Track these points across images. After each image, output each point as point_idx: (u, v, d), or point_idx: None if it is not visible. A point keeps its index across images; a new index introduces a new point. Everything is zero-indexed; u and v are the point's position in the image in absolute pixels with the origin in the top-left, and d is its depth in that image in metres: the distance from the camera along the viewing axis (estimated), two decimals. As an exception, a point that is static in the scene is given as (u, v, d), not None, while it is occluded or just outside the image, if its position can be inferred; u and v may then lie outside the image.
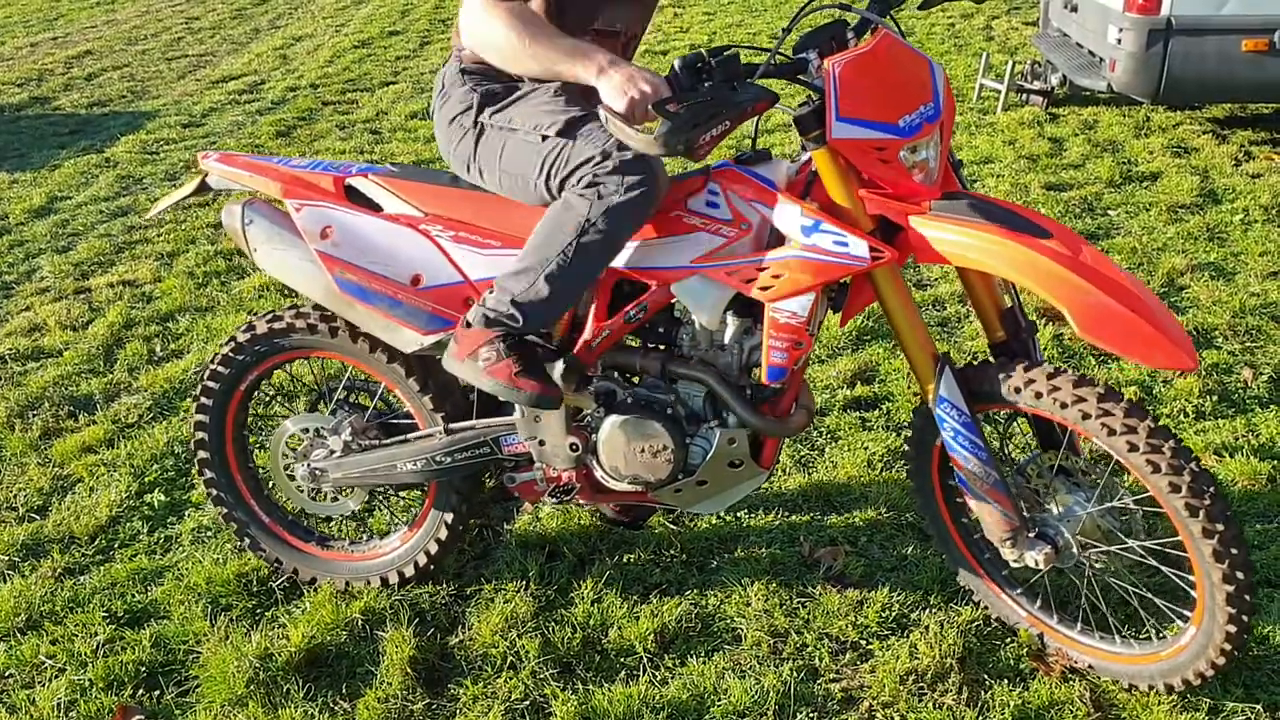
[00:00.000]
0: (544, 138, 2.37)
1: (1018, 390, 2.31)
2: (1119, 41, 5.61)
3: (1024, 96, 6.94)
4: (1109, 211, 5.25)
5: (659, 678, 2.60)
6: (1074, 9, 6.47)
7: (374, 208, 2.67)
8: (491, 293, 2.43)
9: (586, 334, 2.53)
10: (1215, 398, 3.58)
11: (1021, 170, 5.80)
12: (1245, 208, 5.12)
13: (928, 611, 2.73)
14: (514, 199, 2.52)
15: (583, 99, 2.42)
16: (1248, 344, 3.93)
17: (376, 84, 8.56)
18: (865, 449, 3.42)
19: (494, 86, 2.50)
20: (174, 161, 6.86)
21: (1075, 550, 2.42)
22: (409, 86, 8.39)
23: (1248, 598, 2.22)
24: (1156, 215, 5.13)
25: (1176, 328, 2.16)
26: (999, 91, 6.89)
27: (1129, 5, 5.50)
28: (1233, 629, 2.25)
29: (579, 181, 2.30)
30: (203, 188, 2.82)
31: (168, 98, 8.51)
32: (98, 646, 2.77)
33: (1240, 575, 2.20)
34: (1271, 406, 3.54)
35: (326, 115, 7.75)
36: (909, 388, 3.73)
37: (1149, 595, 2.49)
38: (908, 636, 2.66)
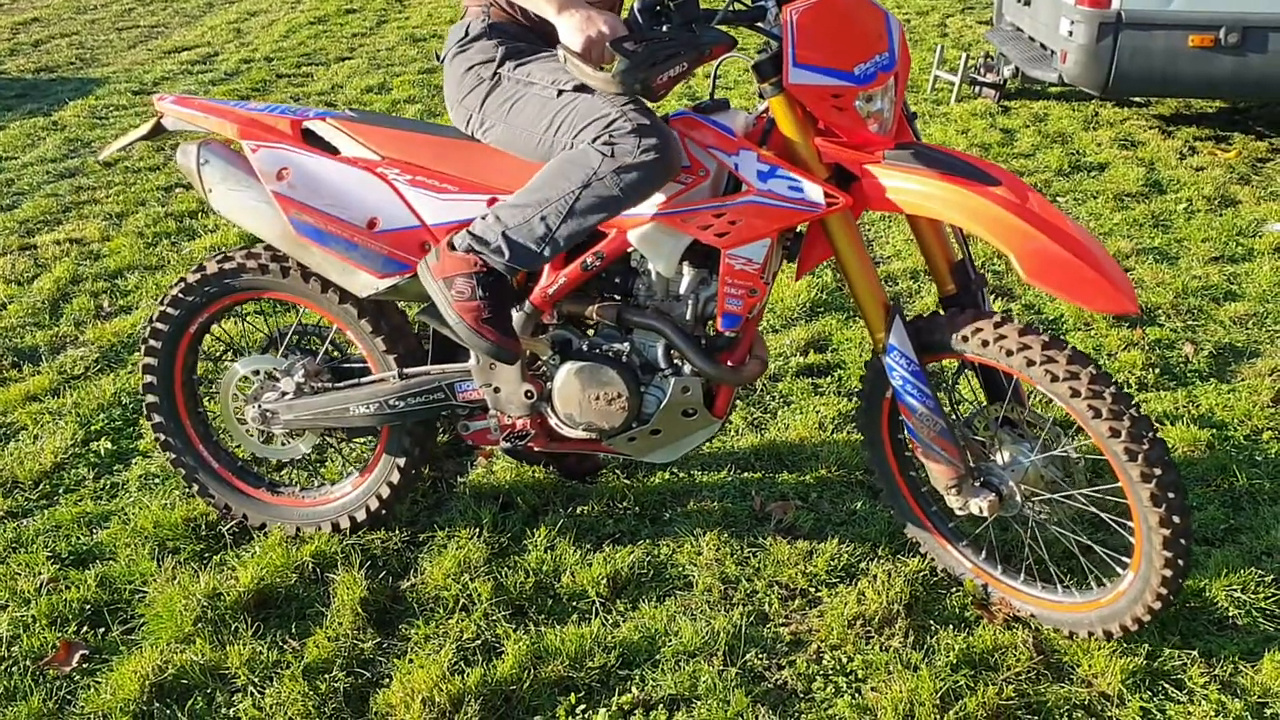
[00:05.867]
0: (560, 92, 2.38)
1: (965, 339, 2.36)
2: (1070, 34, 5.72)
3: (977, 89, 7.04)
4: (1058, 199, 5.35)
5: (611, 620, 2.61)
6: (1027, 3, 6.58)
7: (331, 151, 2.66)
8: (484, 219, 2.41)
9: (543, 281, 2.54)
10: (1158, 370, 3.66)
11: (973, 158, 5.88)
12: (1189, 198, 5.24)
13: (875, 562, 2.77)
14: (510, 152, 2.51)
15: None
16: (1189, 322, 4.03)
17: (332, 59, 8.48)
18: (817, 412, 3.46)
19: (520, 44, 2.49)
20: (124, 126, 6.74)
21: (1019, 499, 2.46)
22: (365, 61, 8.33)
23: (1183, 542, 2.28)
24: (1104, 203, 5.23)
25: (1119, 273, 2.21)
26: (953, 83, 6.99)
27: (1081, -2, 5.61)
28: (1168, 573, 2.31)
29: (595, 138, 2.29)
30: (157, 129, 2.79)
31: (118, 66, 8.38)
32: (41, 585, 2.73)
33: (1177, 519, 2.26)
34: (1211, 380, 3.63)
35: (281, 87, 7.67)
36: (860, 356, 3.78)
37: (1090, 544, 2.54)
38: (855, 584, 2.70)
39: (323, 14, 10.22)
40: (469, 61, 2.51)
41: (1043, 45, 6.33)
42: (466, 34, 2.53)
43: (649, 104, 2.36)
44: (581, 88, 2.35)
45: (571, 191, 2.30)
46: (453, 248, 2.42)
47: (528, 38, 2.51)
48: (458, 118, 2.58)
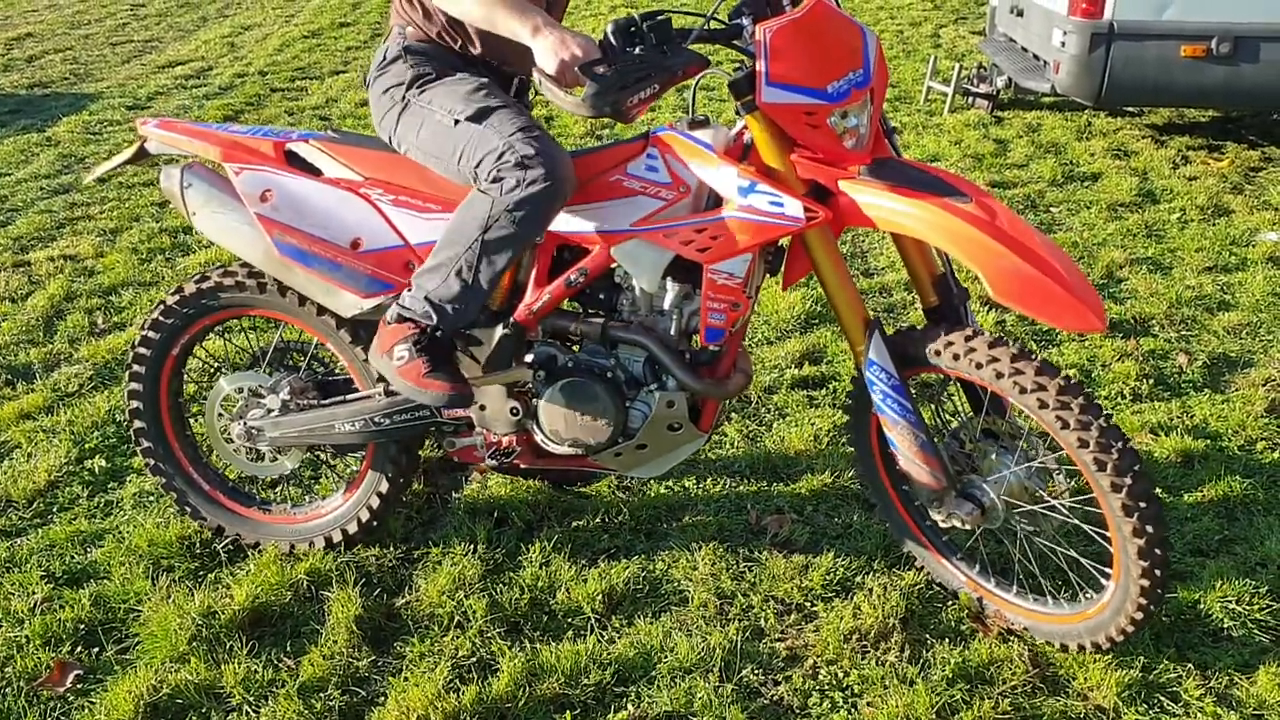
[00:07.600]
0: (455, 122, 2.43)
1: (938, 353, 2.37)
2: (1063, 44, 5.74)
3: (970, 99, 7.06)
4: (1051, 208, 5.36)
5: (606, 636, 2.61)
6: (1020, 14, 6.61)
7: (314, 173, 2.66)
8: (409, 290, 2.46)
9: (527, 299, 2.55)
10: (1152, 381, 3.67)
11: (967, 169, 5.90)
12: (1182, 208, 5.26)
13: (871, 575, 2.77)
14: (436, 172, 2.55)
15: (504, 93, 2.49)
16: (1183, 332, 4.04)
17: (326, 72, 8.50)
18: (812, 425, 3.46)
19: (427, 69, 2.54)
20: (118, 142, 6.75)
21: (1001, 511, 2.46)
22: (360, 75, 8.34)
23: (1159, 551, 2.27)
24: (1097, 213, 5.25)
25: (1088, 290, 2.20)
26: (946, 94, 7.00)
27: (1073, 9, 5.63)
28: (1146, 583, 2.30)
29: (486, 175, 2.35)
30: (141, 153, 2.79)
31: (111, 81, 8.38)
32: (35, 605, 2.73)
33: (1150, 529, 2.25)
34: (1205, 390, 3.63)
35: (275, 101, 7.68)
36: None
37: (1077, 557, 2.54)
38: (851, 598, 2.69)
39: (317, 28, 10.24)
40: (385, 84, 2.58)
41: (1035, 56, 6.35)
42: (385, 57, 2.60)
43: (546, 129, 2.41)
44: (474, 117, 2.40)
45: (474, 240, 2.35)
46: (389, 323, 2.46)
47: (441, 58, 2.56)
48: (382, 136, 2.63)
